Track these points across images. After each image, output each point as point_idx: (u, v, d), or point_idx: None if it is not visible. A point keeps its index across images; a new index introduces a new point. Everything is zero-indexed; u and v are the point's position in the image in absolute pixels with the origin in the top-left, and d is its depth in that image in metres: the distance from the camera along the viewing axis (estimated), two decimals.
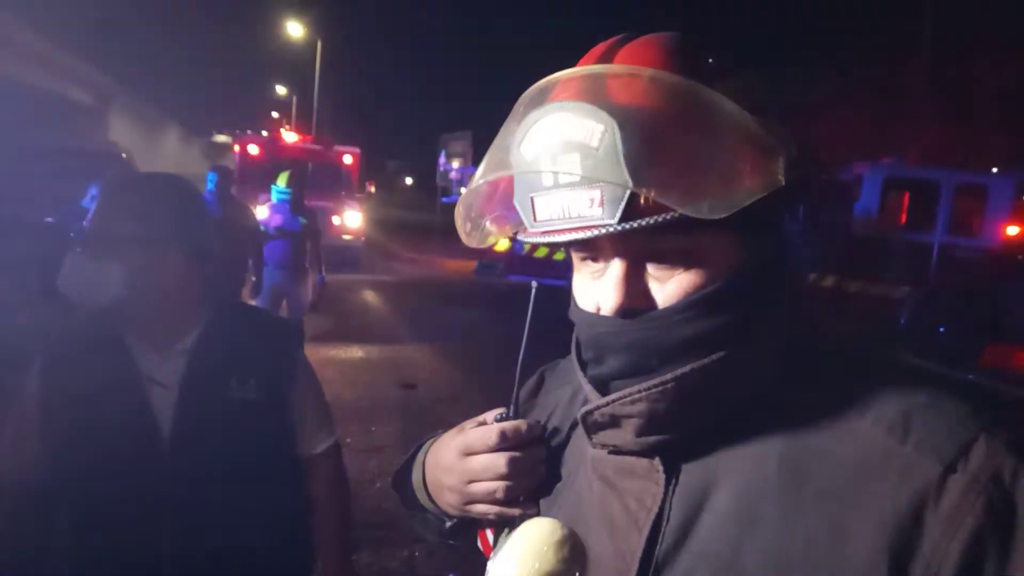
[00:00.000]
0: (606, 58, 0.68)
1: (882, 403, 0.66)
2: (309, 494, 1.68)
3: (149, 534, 1.43)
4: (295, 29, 29.04)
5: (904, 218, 10.10)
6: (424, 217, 23.76)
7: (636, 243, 0.66)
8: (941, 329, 9.12)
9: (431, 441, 0.96)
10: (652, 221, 0.61)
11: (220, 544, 1.44)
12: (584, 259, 0.72)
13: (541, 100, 0.66)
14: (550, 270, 9.77)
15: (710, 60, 0.66)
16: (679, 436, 0.69)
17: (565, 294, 0.77)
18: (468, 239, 0.78)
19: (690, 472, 0.70)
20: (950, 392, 0.67)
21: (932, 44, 15.61)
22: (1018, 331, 8.92)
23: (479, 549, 0.89)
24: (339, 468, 1.76)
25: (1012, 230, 9.73)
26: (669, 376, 0.65)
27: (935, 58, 15.64)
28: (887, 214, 10.14)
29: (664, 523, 0.69)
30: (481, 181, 0.71)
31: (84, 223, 1.47)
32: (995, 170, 10.98)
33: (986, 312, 9.00)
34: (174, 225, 1.50)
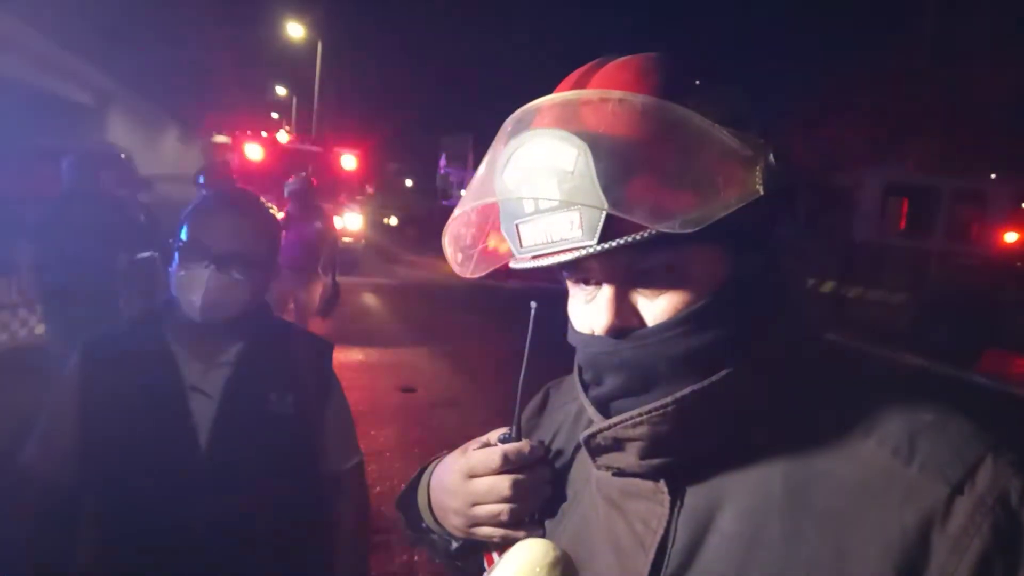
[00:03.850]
0: (581, 83, 0.68)
1: (886, 422, 0.66)
2: (331, 510, 1.69)
3: (178, 536, 1.44)
4: (295, 30, 29.04)
5: (903, 224, 10.12)
6: (424, 219, 23.73)
7: (621, 263, 0.66)
8: (939, 335, 9.14)
9: (436, 462, 0.95)
10: (631, 239, 0.61)
11: (246, 552, 1.47)
12: (577, 283, 0.72)
13: (519, 128, 0.67)
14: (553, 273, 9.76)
15: (684, 78, 0.66)
16: (683, 458, 0.69)
17: (565, 300, 0.77)
18: (460, 269, 0.79)
19: (695, 494, 0.70)
20: (955, 408, 0.66)
21: (932, 49, 15.64)
22: (1016, 337, 8.96)
23: (485, 570, 0.89)
24: (364, 485, 1.78)
25: (1010, 236, 9.75)
26: (669, 399, 0.65)
27: (935, 63, 15.67)
28: (887, 220, 10.16)
29: (670, 545, 0.69)
30: (461, 210, 0.73)
31: (185, 239, 1.49)
32: (993, 176, 11.01)
33: (984, 318, 9.04)
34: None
